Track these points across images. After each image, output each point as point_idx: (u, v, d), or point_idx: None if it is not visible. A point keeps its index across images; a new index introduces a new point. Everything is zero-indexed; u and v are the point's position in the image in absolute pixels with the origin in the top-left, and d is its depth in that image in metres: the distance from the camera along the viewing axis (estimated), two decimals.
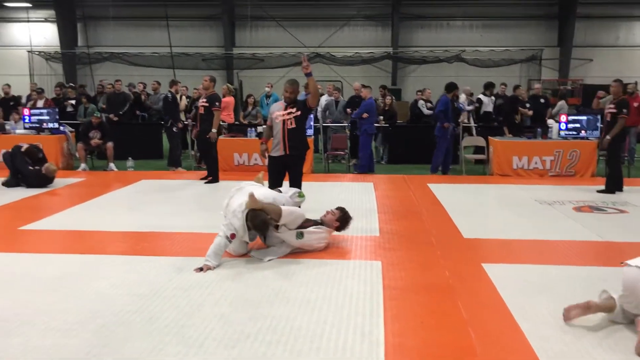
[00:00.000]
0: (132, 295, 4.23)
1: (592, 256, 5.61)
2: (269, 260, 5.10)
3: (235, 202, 5.09)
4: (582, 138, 10.68)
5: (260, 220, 4.94)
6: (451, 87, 10.94)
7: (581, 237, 6.18)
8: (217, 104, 9.41)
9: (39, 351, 3.32)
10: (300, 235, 5.23)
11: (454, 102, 10.92)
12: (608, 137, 8.56)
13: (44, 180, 9.00)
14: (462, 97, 13.61)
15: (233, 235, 4.93)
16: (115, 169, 11.01)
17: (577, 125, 10.77)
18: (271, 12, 24.71)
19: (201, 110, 9.47)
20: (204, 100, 9.45)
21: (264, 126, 9.10)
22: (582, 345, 3.47)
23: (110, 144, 11.03)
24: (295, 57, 23.80)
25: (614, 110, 8.52)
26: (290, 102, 6.54)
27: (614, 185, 8.69)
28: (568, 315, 3.79)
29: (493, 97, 13.47)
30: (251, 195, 4.98)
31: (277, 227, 5.14)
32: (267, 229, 5.06)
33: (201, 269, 4.79)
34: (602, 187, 8.77)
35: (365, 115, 10.83)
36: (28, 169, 8.95)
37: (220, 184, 9.42)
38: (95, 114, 11.25)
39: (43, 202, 8.16)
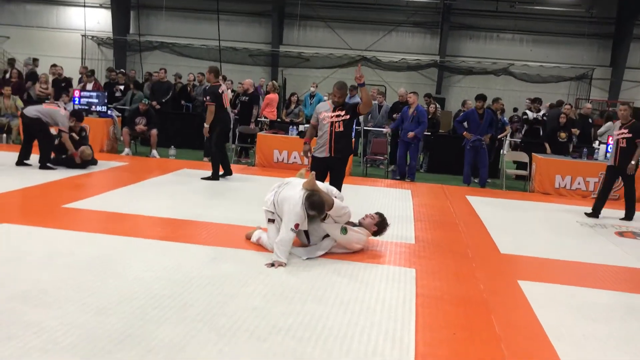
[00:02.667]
0: (168, 280, 4.30)
1: (633, 283, 5.44)
2: (307, 258, 5.12)
3: (289, 194, 5.11)
4: None
5: (318, 198, 4.96)
6: (478, 98, 10.80)
7: (622, 262, 6.02)
8: (207, 98, 9.07)
9: (75, 326, 3.39)
10: (344, 231, 5.23)
11: (487, 115, 10.70)
12: (633, 162, 8.10)
13: (61, 151, 9.10)
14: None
15: (297, 225, 4.94)
16: (158, 156, 11.20)
17: None
18: (321, 13, 24.79)
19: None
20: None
21: (307, 125, 9.10)
22: None
23: (154, 131, 11.23)
24: (340, 58, 23.85)
25: (629, 135, 8.07)
26: (339, 105, 6.51)
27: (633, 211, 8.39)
28: None
29: (540, 113, 13.25)
30: (313, 175, 5.10)
31: (324, 218, 5.16)
32: (323, 209, 5.01)
33: (272, 265, 4.83)
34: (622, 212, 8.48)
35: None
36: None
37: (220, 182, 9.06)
38: (143, 101, 11.46)
39: (87, 182, 8.36)
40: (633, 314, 4.42)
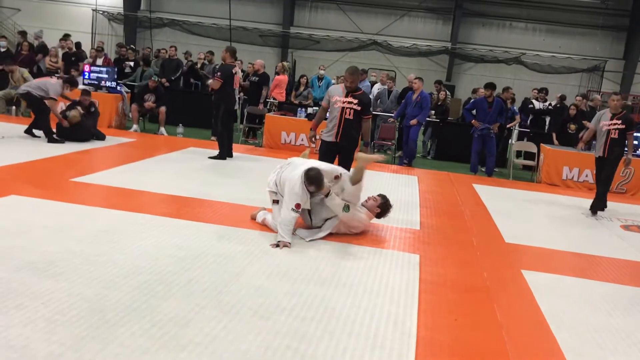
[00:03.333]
0: (174, 257, 4.33)
1: (636, 276, 5.45)
2: (310, 240, 5.14)
3: (290, 174, 5.13)
4: (639, 156, 10.34)
5: (315, 172, 4.99)
6: (487, 86, 10.73)
7: (626, 256, 6.02)
8: (218, 74, 9.11)
9: (82, 298, 3.44)
10: (346, 208, 5.24)
11: (496, 103, 10.63)
12: (630, 156, 8.12)
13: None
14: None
15: (298, 205, 4.97)
16: (165, 134, 11.22)
17: (635, 142, 10.43)
18: None
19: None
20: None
21: (315, 108, 9.03)
22: None
23: (162, 109, 11.23)
24: (351, 42, 23.72)
25: (622, 127, 7.92)
26: (352, 91, 6.49)
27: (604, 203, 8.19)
28: None
29: (547, 103, 13.18)
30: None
31: (327, 194, 5.18)
32: (321, 183, 5.03)
33: (277, 245, 4.86)
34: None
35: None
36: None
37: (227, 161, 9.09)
38: (152, 78, 11.45)
39: (95, 157, 8.40)
40: (635, 307, 4.43)
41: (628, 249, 6.30)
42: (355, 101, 6.41)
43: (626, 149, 8.09)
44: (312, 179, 4.97)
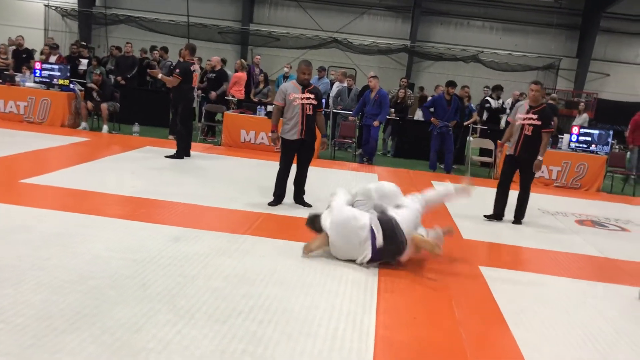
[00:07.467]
0: (127, 260, 4.21)
1: (590, 271, 5.57)
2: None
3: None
4: (592, 152, 10.60)
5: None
6: (447, 84, 10.89)
7: (581, 250, 6.14)
8: (177, 71, 8.94)
9: (28, 305, 3.30)
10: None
11: (453, 101, 10.77)
12: (540, 158, 6.74)
13: None
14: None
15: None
16: (106, 131, 10.93)
17: (588, 138, 10.69)
18: None
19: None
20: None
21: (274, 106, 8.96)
22: (572, 359, 3.44)
23: (104, 105, 10.91)
24: (311, 39, 23.66)
25: (538, 123, 6.65)
26: (307, 85, 6.48)
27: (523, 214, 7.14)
28: None
29: (501, 100, 13.38)
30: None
31: None
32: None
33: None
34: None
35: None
36: None
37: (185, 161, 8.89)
38: (95, 71, 11.16)
39: (47, 157, 8.13)
40: (589, 300, 4.52)
41: (582, 244, 6.43)
42: (312, 96, 6.45)
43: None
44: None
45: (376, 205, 4.89)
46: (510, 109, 12.92)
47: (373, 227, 4.60)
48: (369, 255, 4.59)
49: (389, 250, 4.59)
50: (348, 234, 4.64)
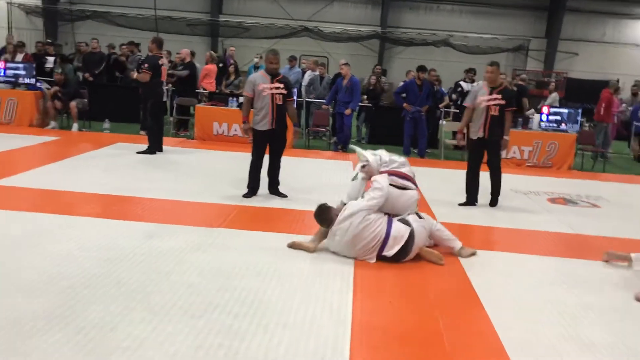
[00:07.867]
0: (100, 259, 4.16)
1: (563, 248, 5.66)
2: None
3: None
4: (562, 131, 10.75)
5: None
6: (418, 69, 10.94)
7: (553, 228, 6.24)
8: (145, 65, 8.84)
9: None
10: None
11: (425, 86, 10.84)
12: (506, 137, 6.92)
13: None
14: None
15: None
16: (76, 129, 10.78)
17: (558, 117, 10.84)
18: None
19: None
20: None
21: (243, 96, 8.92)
22: (544, 335, 3.50)
23: (73, 103, 10.73)
24: (282, 29, 23.50)
25: (503, 102, 6.74)
26: (276, 75, 6.46)
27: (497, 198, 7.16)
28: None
29: (476, 84, 13.47)
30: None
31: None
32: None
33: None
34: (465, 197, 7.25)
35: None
36: None
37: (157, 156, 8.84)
38: (56, 71, 10.96)
39: (16, 157, 7.99)
40: (563, 278, 4.59)
41: (554, 222, 6.52)
42: (281, 85, 6.43)
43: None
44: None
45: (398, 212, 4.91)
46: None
47: (390, 240, 4.57)
48: (373, 260, 4.59)
49: (393, 258, 4.60)
50: (359, 242, 4.57)
